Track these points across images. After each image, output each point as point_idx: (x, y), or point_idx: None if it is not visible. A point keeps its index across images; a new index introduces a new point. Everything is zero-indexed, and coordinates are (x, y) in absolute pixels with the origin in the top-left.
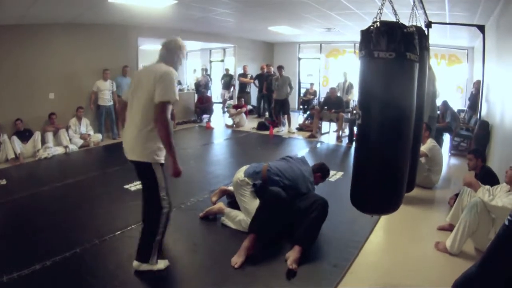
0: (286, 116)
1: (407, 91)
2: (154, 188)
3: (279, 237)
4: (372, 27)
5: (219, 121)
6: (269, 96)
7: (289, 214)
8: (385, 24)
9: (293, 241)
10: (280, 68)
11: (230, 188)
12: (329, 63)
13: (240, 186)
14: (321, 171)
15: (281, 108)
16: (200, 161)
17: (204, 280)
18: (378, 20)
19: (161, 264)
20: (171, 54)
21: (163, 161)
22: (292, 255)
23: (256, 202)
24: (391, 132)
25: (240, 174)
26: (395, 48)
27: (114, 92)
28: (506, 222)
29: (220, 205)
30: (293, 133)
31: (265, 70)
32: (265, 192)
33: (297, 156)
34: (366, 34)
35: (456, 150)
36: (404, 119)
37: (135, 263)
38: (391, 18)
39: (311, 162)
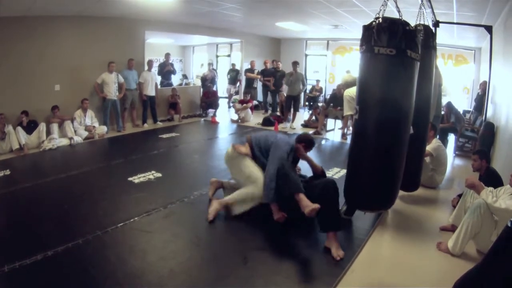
0: (293, 112)
1: (406, 89)
2: None
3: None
4: (374, 23)
5: (225, 116)
6: (275, 91)
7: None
8: (387, 20)
9: (322, 230)
10: (295, 64)
11: (222, 180)
12: (335, 60)
13: (236, 156)
14: (304, 141)
15: (291, 104)
16: (204, 155)
17: (206, 274)
18: (381, 16)
19: None
20: None
21: None
22: (332, 245)
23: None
24: (387, 130)
25: (230, 148)
26: (395, 45)
27: (124, 84)
28: (509, 224)
29: (217, 203)
30: (294, 129)
31: (268, 65)
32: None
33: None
34: (367, 30)
35: (460, 151)
36: (402, 116)
37: None
38: (396, 15)
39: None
